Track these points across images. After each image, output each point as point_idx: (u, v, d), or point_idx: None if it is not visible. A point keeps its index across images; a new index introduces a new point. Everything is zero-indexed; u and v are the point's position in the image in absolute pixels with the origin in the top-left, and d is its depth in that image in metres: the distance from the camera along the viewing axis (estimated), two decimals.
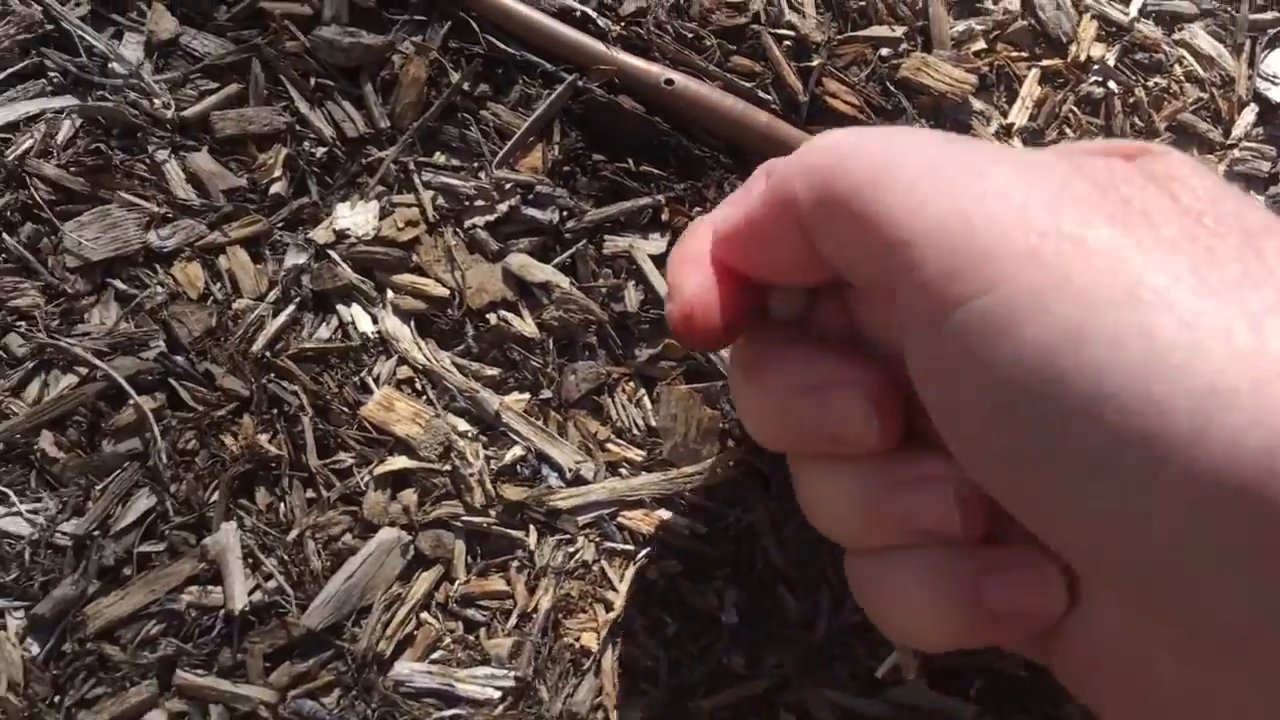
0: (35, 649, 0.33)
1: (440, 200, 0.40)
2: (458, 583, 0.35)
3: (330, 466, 0.36)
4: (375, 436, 0.37)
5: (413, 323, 0.39)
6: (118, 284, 0.39)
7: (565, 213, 0.40)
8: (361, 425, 0.37)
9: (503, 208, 0.40)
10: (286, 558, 0.35)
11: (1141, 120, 0.43)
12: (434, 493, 0.36)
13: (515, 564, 0.36)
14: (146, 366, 0.37)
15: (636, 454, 0.37)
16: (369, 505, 0.36)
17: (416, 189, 0.41)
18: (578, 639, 0.35)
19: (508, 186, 0.40)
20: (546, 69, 0.41)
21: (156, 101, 0.41)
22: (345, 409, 0.37)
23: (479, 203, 0.40)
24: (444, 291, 0.39)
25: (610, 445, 0.38)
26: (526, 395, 0.38)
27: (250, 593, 0.35)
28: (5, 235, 0.39)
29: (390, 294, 0.39)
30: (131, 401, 0.36)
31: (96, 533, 0.35)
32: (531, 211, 0.40)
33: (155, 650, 0.34)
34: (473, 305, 0.39)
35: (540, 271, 0.39)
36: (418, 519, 0.36)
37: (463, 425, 0.37)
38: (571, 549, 0.36)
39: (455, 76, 0.41)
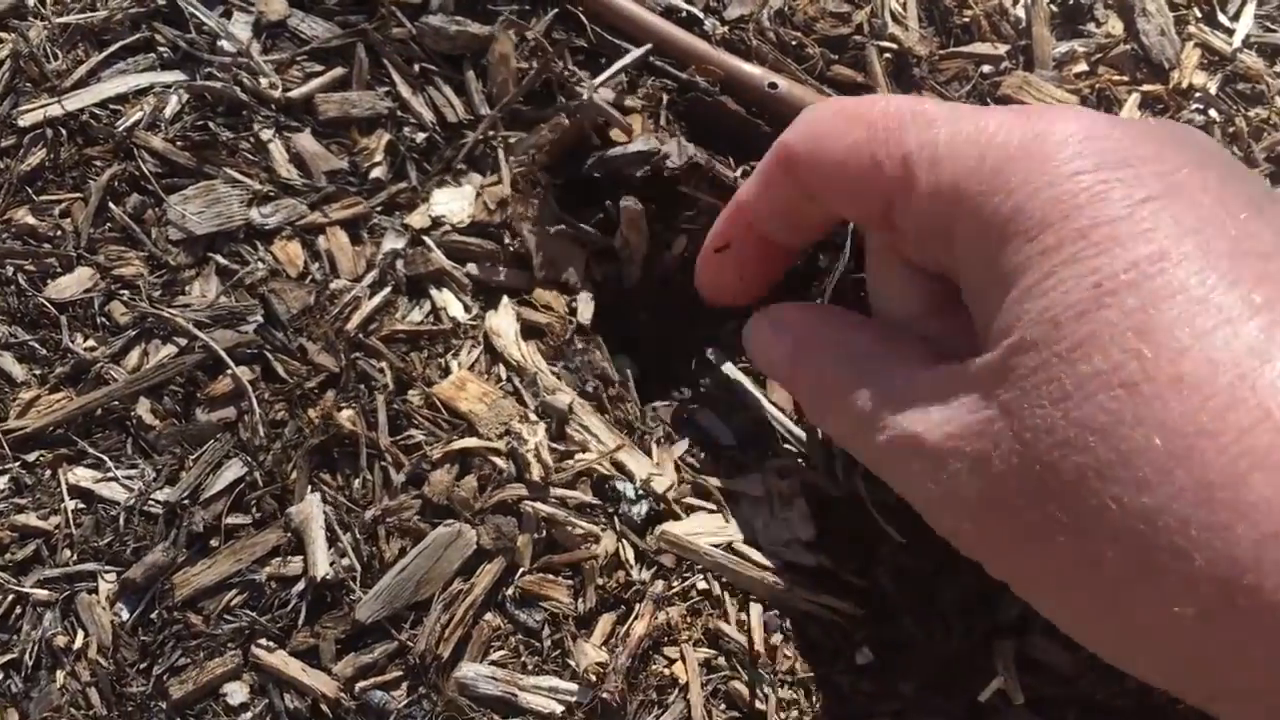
0: (125, 614, 0.33)
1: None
2: (520, 575, 0.34)
3: (400, 443, 0.36)
4: (446, 417, 0.36)
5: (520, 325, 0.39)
6: (219, 259, 0.39)
7: None
8: (432, 404, 0.36)
9: None
10: (360, 537, 0.34)
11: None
12: (496, 477, 0.35)
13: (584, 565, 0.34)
14: (245, 339, 0.37)
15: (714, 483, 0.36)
16: (433, 486, 0.35)
17: (500, 166, 0.41)
18: (668, 667, 0.33)
19: None
20: (651, 61, 0.41)
21: (263, 81, 0.41)
22: (424, 388, 0.36)
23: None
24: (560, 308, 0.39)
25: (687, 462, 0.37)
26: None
27: (330, 564, 0.34)
28: (112, 205, 0.39)
29: (505, 298, 0.39)
30: (230, 372, 0.36)
31: (187, 501, 0.35)
32: None
33: (234, 622, 0.33)
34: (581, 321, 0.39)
35: None
36: (482, 503, 0.35)
37: (532, 416, 0.36)
38: (671, 576, 0.35)
39: (559, 65, 0.41)
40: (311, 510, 0.35)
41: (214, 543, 0.35)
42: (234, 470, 0.36)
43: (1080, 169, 0.23)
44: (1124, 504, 0.21)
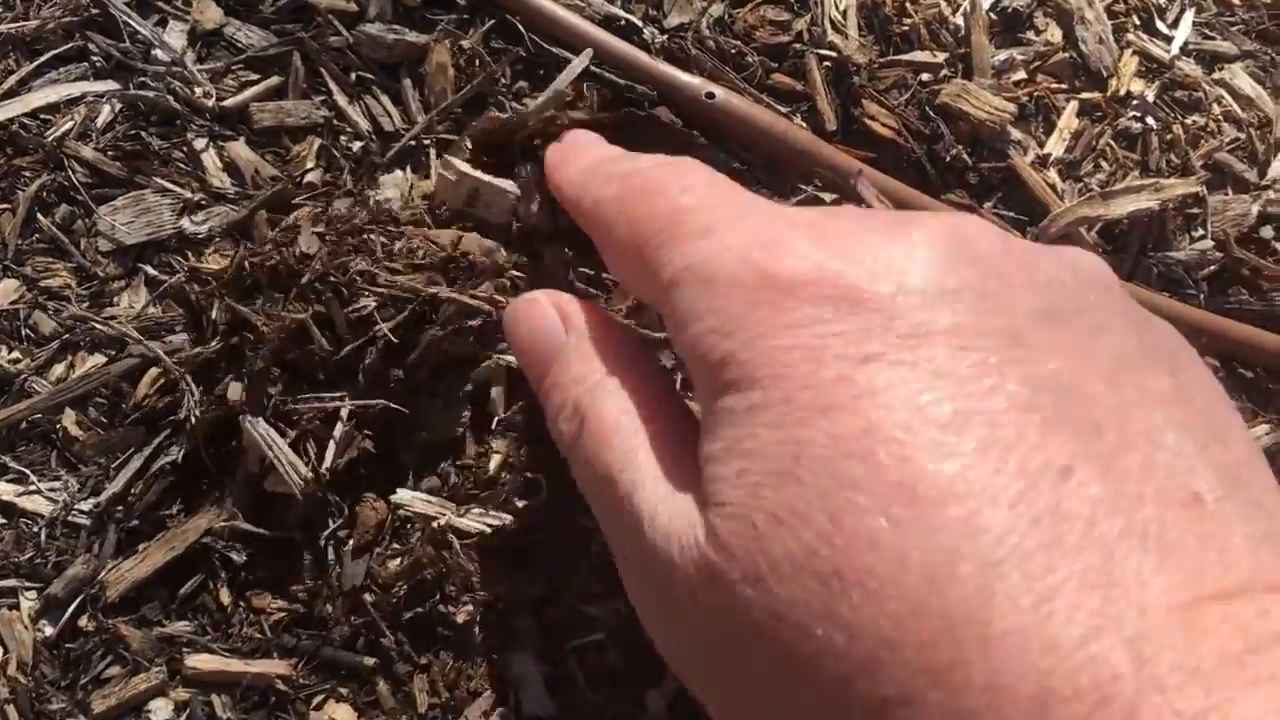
0: (48, 629, 0.33)
1: None
2: None
3: None
4: None
5: None
6: (148, 269, 0.38)
7: None
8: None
9: None
10: None
11: (1178, 158, 0.43)
12: None
13: None
14: (171, 348, 0.37)
15: None
16: None
17: (432, 165, 0.41)
18: None
19: None
20: (590, 70, 0.41)
21: (197, 90, 0.41)
22: None
23: None
24: None
25: None
26: None
27: None
28: (40, 215, 0.39)
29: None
30: (160, 368, 0.36)
31: (118, 510, 0.34)
32: None
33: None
34: None
35: None
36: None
37: None
38: None
39: (495, 73, 0.41)
40: None
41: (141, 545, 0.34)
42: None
43: (799, 320, 0.21)
44: (803, 703, 0.19)
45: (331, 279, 0.35)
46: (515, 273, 0.37)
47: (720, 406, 0.22)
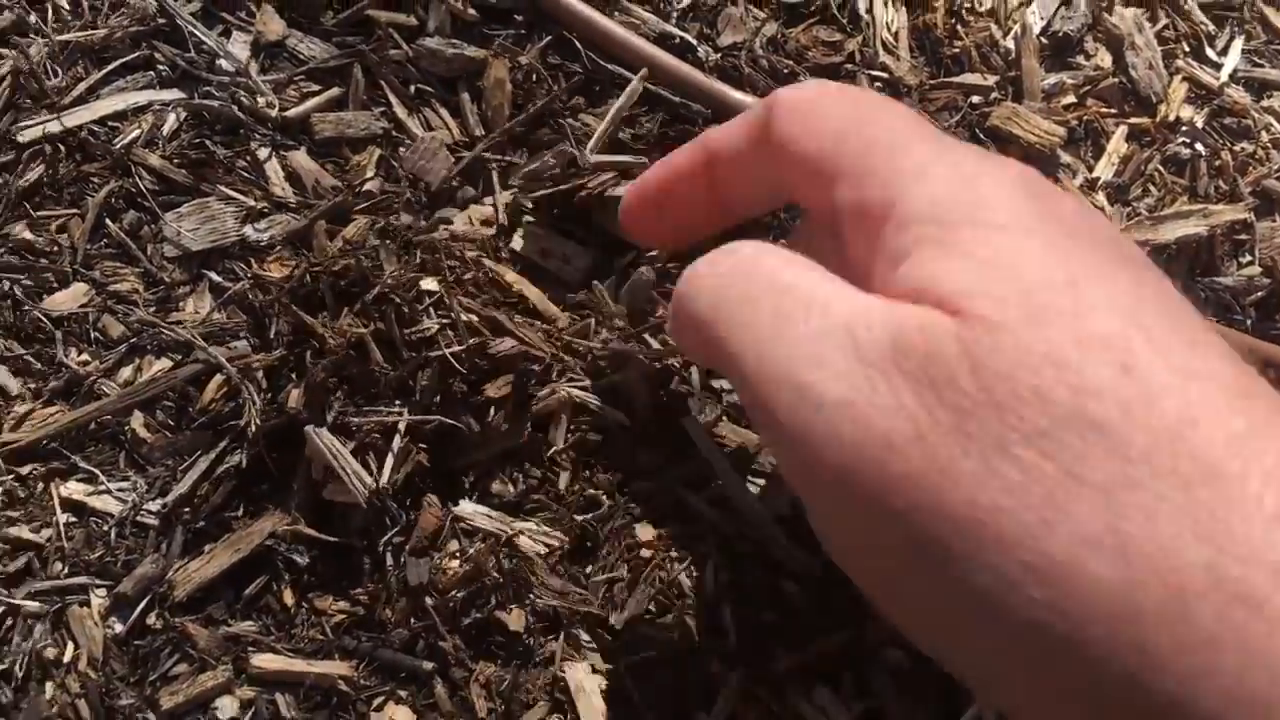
0: (117, 626, 0.34)
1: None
2: None
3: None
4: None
5: None
6: (212, 275, 0.39)
7: None
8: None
9: None
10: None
11: (1226, 184, 0.43)
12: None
13: None
14: (236, 354, 0.37)
15: None
16: None
17: (495, 190, 0.41)
18: None
19: None
20: (648, 89, 0.42)
21: (260, 100, 0.42)
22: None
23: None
24: None
25: None
26: None
27: None
28: (109, 221, 0.40)
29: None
30: (225, 375, 0.37)
31: (185, 511, 0.35)
32: None
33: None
34: None
35: None
36: None
37: None
38: None
39: (552, 89, 0.42)
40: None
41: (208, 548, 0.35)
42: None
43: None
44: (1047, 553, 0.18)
45: (395, 298, 0.36)
46: (570, 337, 0.38)
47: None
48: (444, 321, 0.37)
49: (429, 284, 0.37)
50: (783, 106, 0.27)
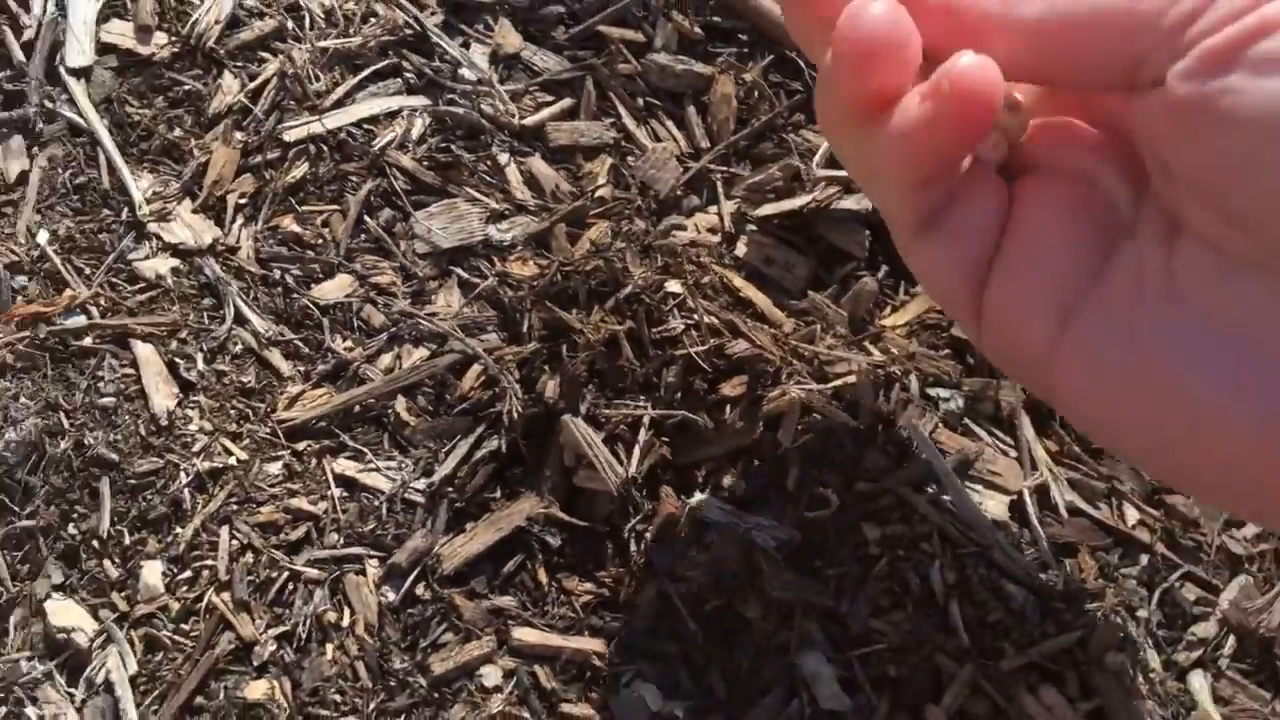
0: (390, 595, 0.36)
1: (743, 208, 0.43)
2: None
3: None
4: None
5: None
6: (460, 271, 0.42)
7: None
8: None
9: None
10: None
11: None
12: None
13: None
14: (489, 345, 0.40)
15: None
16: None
17: (719, 200, 0.44)
18: None
19: None
20: None
21: (500, 108, 0.44)
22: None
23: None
24: None
25: None
26: None
27: None
28: (367, 217, 0.42)
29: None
30: (481, 364, 0.39)
31: (450, 489, 0.38)
32: None
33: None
34: None
35: None
36: None
37: None
38: None
39: (775, 105, 0.44)
40: None
41: (469, 525, 0.38)
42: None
43: None
44: None
45: (645, 299, 0.38)
46: (796, 341, 0.40)
47: None
48: (688, 322, 0.39)
49: (673, 286, 0.40)
50: None
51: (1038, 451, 0.41)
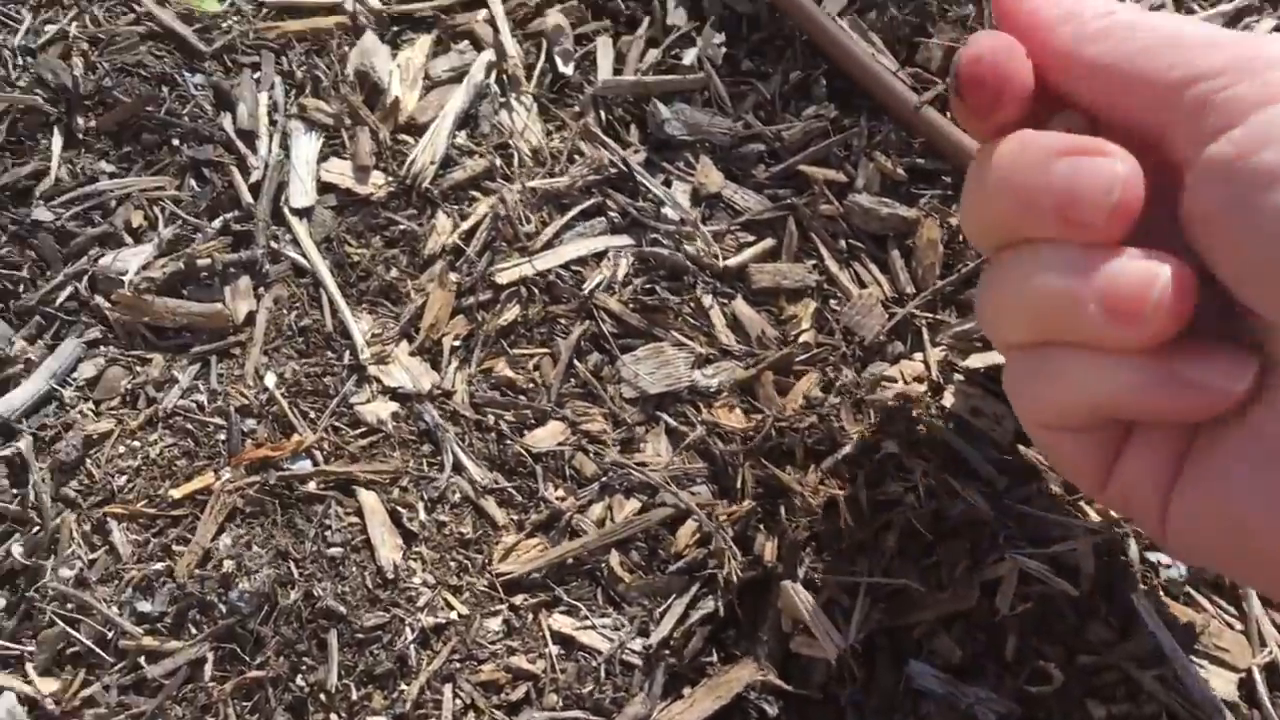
0: None
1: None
2: None
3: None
4: None
5: None
6: (667, 418, 0.42)
7: None
8: None
9: None
10: None
11: None
12: None
13: None
14: (698, 498, 0.40)
15: None
16: None
17: (925, 347, 0.43)
18: None
19: None
20: None
21: (704, 249, 0.45)
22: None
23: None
24: None
25: None
26: None
27: None
28: (576, 360, 0.43)
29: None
30: (695, 519, 0.39)
31: (666, 652, 0.38)
32: None
33: None
34: None
35: None
36: None
37: None
38: None
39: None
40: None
41: (686, 690, 0.38)
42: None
43: None
44: None
45: (863, 461, 0.38)
46: (1010, 501, 0.39)
47: None
48: (906, 485, 0.38)
49: (890, 446, 0.39)
50: None
51: (1266, 626, 0.39)
